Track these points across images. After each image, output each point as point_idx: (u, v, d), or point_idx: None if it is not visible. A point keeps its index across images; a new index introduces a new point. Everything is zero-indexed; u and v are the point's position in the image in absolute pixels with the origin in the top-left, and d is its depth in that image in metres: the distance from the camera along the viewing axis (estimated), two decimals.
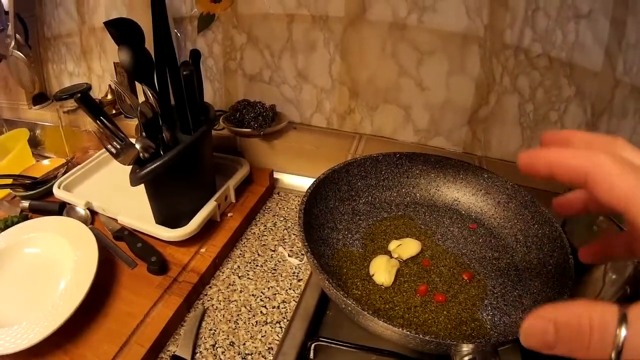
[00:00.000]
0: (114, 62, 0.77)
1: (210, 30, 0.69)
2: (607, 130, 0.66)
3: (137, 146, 0.56)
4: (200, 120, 0.58)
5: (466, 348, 0.40)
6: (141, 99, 0.58)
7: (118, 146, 0.57)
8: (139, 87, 0.58)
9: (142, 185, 0.58)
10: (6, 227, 0.68)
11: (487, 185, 0.57)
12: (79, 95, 0.55)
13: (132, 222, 0.60)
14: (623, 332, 0.17)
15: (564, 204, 0.29)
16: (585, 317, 0.18)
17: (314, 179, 0.51)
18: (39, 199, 0.73)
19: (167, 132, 0.58)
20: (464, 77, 0.61)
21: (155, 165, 0.54)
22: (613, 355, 0.17)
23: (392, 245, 0.52)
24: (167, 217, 0.59)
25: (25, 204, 0.72)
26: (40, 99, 0.95)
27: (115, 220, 0.62)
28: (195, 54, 0.60)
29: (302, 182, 0.69)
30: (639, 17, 0.58)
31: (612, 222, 0.48)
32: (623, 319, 0.17)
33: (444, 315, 0.47)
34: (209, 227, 0.60)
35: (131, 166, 0.57)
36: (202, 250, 0.57)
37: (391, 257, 0.51)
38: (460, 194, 0.58)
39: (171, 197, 0.58)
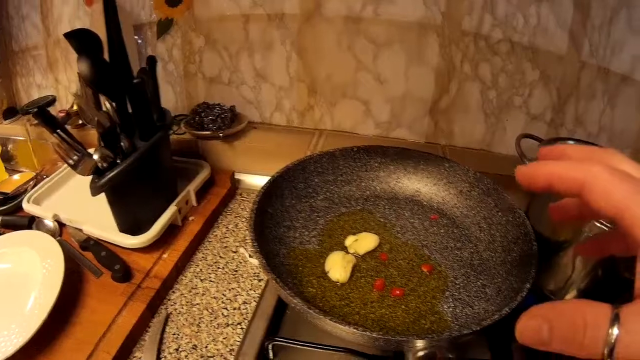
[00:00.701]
0: (77, 73, 0.78)
1: (170, 35, 0.69)
2: (575, 112, 0.65)
3: (95, 156, 0.56)
4: (157, 126, 0.58)
5: (420, 343, 0.39)
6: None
7: (76, 157, 0.57)
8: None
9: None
10: None
11: (449, 174, 0.56)
12: (36, 109, 0.56)
13: (96, 231, 0.60)
14: (615, 331, 0.18)
15: (559, 209, 0.30)
16: (580, 316, 0.19)
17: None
18: (11, 214, 0.74)
19: (125, 141, 0.58)
20: (423, 67, 0.60)
21: (113, 173, 0.54)
22: (606, 352, 0.18)
23: (349, 240, 0.51)
24: (130, 224, 0.59)
25: None
26: (10, 113, 0.96)
27: (81, 230, 0.63)
28: (151, 60, 0.60)
29: (264, 182, 0.67)
30: None
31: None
32: (615, 319, 0.18)
33: (401, 310, 0.46)
34: (171, 232, 0.60)
35: (89, 177, 0.57)
36: (165, 255, 0.57)
37: (347, 252, 0.50)
38: (421, 185, 0.57)
39: (132, 204, 0.58)
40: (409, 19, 0.59)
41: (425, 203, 0.56)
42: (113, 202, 0.58)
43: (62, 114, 0.82)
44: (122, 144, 0.58)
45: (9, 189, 0.77)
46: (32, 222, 0.70)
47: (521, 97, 0.63)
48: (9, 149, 0.98)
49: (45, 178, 0.75)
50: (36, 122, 0.80)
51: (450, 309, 0.46)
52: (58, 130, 0.58)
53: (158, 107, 0.60)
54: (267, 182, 0.50)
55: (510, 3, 0.59)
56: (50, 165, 0.82)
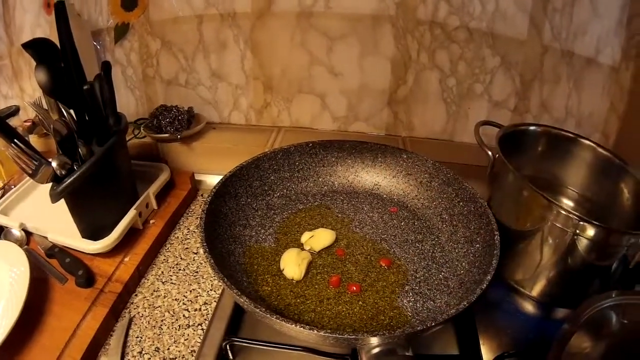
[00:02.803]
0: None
1: (127, 39, 0.68)
2: (539, 97, 0.64)
3: (53, 164, 0.56)
4: (113, 131, 0.57)
5: (373, 340, 0.38)
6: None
7: (34, 166, 0.57)
8: None
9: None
10: None
11: (408, 165, 0.55)
12: None
13: (60, 238, 0.59)
14: None
15: None
16: None
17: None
18: None
19: (83, 147, 0.57)
20: (378, 59, 0.59)
21: (70, 180, 0.53)
22: None
23: (304, 237, 0.50)
24: (91, 230, 0.58)
25: None
26: None
27: (47, 238, 0.62)
28: (106, 66, 0.60)
29: None
30: None
31: (537, 193, 0.45)
32: None
33: (359, 306, 0.44)
34: (132, 236, 0.59)
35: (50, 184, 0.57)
36: (126, 259, 0.56)
37: (303, 249, 0.49)
38: (380, 178, 0.56)
39: (92, 209, 0.57)
40: (362, 11, 0.58)
41: (385, 196, 0.55)
42: (73, 208, 0.57)
43: (27, 124, 0.81)
44: (79, 150, 0.57)
45: None
46: (0, 232, 0.70)
47: (482, 85, 0.61)
48: None
49: (12, 188, 0.74)
50: None
51: (411, 304, 0.45)
52: (15, 140, 0.58)
53: (114, 112, 0.59)
54: (219, 182, 0.49)
55: None
56: (18, 176, 0.81)
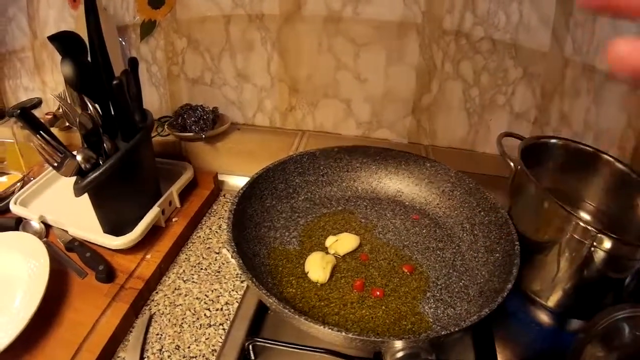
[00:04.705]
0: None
1: (153, 36, 0.68)
2: (559, 110, 0.64)
3: (78, 157, 0.56)
4: (139, 128, 0.57)
5: (398, 344, 0.38)
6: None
7: (59, 159, 0.57)
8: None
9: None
10: None
11: (430, 174, 0.56)
12: (18, 111, 0.55)
13: (81, 232, 0.60)
14: None
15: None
16: None
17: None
18: None
19: (108, 142, 0.57)
20: (404, 66, 0.60)
21: (95, 174, 0.54)
22: None
23: (329, 241, 0.50)
24: (113, 225, 0.58)
25: None
26: None
27: (67, 232, 0.62)
28: (133, 62, 0.60)
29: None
30: None
31: (558, 205, 0.46)
32: None
33: (382, 311, 0.45)
34: (154, 233, 0.59)
35: (74, 177, 0.57)
36: (148, 256, 0.57)
37: (328, 253, 0.50)
38: (403, 185, 0.56)
39: (115, 205, 0.58)
40: (389, 18, 0.59)
41: (407, 203, 0.56)
42: (96, 203, 0.58)
43: (49, 116, 0.81)
44: (104, 145, 0.57)
45: None
46: (19, 224, 0.69)
47: (504, 96, 0.62)
48: None
49: (32, 180, 0.75)
50: (20, 126, 0.80)
51: (432, 310, 0.46)
52: (41, 132, 0.58)
53: (140, 108, 0.59)
54: (246, 184, 0.50)
55: (492, 0, 0.59)
56: (38, 167, 0.81)
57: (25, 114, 0.56)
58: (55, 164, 0.57)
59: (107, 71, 0.58)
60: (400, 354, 0.39)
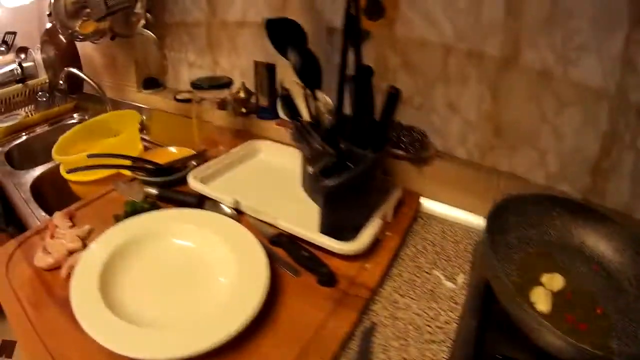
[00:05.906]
0: (255, 61, 0.75)
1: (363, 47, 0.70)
2: None
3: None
4: (378, 138, 0.59)
5: None
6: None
7: (312, 150, 0.56)
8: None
9: (297, 192, 0.57)
10: (134, 211, 0.66)
11: (608, 232, 0.66)
12: (282, 95, 0.54)
13: (297, 229, 0.59)
14: None
15: None
16: None
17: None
18: (165, 186, 0.70)
19: (344, 144, 0.58)
20: (594, 130, 0.68)
21: (347, 177, 0.54)
22: None
23: (544, 278, 0.59)
24: (333, 228, 0.59)
25: (152, 190, 0.70)
26: (150, 83, 0.89)
27: (269, 224, 0.62)
28: (368, 71, 0.60)
29: (442, 210, 0.73)
30: None
31: None
32: None
33: (587, 343, 0.55)
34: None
35: (312, 172, 0.56)
36: (367, 265, 0.58)
37: (545, 288, 0.58)
38: (587, 238, 0.66)
39: (343, 209, 0.59)
40: (590, 84, 0.66)
41: (587, 254, 0.66)
42: (327, 204, 0.58)
43: (217, 99, 0.79)
44: (341, 146, 0.57)
45: (160, 159, 0.73)
46: (201, 203, 0.67)
47: None
48: (142, 119, 0.91)
49: (210, 159, 0.70)
50: (199, 100, 0.77)
51: (615, 346, 0.56)
52: (298, 118, 0.56)
53: (371, 117, 0.61)
54: (492, 212, 0.55)
55: None
56: (211, 147, 0.79)
57: (287, 99, 0.55)
58: (309, 155, 0.55)
59: (342, 71, 0.58)
60: None
